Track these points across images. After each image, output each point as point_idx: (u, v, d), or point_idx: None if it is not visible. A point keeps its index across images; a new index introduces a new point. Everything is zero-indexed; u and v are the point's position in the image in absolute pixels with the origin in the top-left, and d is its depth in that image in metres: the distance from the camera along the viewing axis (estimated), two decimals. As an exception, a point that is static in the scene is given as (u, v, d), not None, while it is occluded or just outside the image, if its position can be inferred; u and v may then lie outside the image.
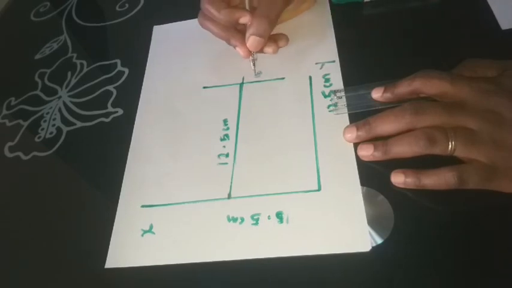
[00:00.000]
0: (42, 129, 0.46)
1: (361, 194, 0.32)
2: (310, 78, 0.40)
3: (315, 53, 0.42)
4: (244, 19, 0.39)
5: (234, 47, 0.40)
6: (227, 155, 0.37)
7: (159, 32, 0.50)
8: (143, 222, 0.35)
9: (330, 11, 0.44)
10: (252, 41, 0.38)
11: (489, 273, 0.28)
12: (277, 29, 0.44)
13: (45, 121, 0.47)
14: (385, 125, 0.32)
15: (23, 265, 0.37)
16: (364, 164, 0.33)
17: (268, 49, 0.41)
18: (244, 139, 0.38)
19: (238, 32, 0.40)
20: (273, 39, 0.41)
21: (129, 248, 0.35)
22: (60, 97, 0.49)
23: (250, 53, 0.40)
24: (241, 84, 0.42)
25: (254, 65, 0.41)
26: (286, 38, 0.42)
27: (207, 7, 0.40)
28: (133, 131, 0.42)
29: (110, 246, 0.35)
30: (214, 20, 0.40)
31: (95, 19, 0.56)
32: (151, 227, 0.35)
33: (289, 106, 0.39)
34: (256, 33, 0.38)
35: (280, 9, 0.39)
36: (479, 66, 0.33)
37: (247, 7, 0.40)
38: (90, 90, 0.48)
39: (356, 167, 0.33)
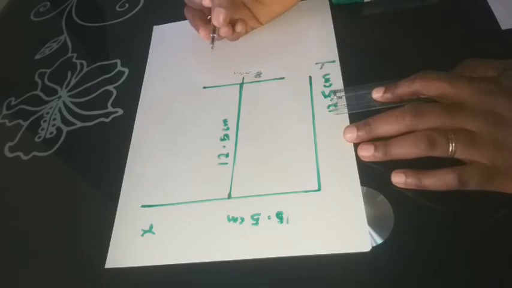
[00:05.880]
0: (42, 129, 0.46)
1: (361, 194, 0.32)
2: (310, 78, 0.40)
3: (315, 53, 0.42)
4: (206, 2, 0.40)
5: (197, 29, 0.42)
6: (227, 155, 0.37)
7: (159, 32, 0.50)
8: (143, 222, 0.35)
9: (330, 11, 0.44)
10: (215, 13, 0.38)
11: (490, 273, 0.28)
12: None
13: (45, 121, 0.47)
14: (385, 127, 0.32)
15: (23, 265, 0.37)
16: (364, 164, 0.33)
17: (238, 26, 0.42)
18: (244, 139, 0.38)
19: (205, 17, 0.42)
20: (231, 24, 0.42)
21: (129, 248, 0.35)
22: (60, 97, 0.49)
23: (209, 35, 0.41)
24: (241, 84, 0.42)
25: (213, 42, 0.42)
26: (243, 23, 0.42)
27: None
28: (133, 131, 0.42)
29: (110, 246, 0.35)
30: (188, 4, 0.42)
31: (95, 19, 0.56)
32: (151, 227, 0.35)
33: (289, 106, 0.39)
34: (217, 4, 0.38)
35: None
36: (479, 66, 0.33)
37: None
38: (90, 90, 0.48)
39: (356, 167, 0.33)
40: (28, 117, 0.48)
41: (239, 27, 0.42)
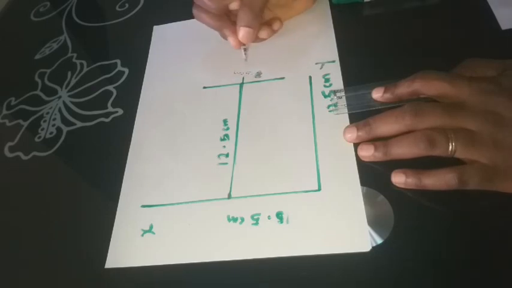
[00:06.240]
0: (42, 129, 0.46)
1: (361, 194, 0.32)
2: (310, 78, 0.40)
3: (315, 53, 0.42)
4: (234, 5, 0.38)
5: (226, 37, 0.40)
6: (227, 155, 0.37)
7: (159, 32, 0.50)
8: (143, 222, 0.35)
9: (330, 11, 0.44)
10: (242, 32, 0.38)
11: (490, 273, 0.28)
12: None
13: (45, 121, 0.47)
14: (385, 127, 0.32)
15: (23, 265, 0.37)
16: (364, 164, 0.33)
17: (263, 32, 0.41)
18: (244, 139, 0.38)
19: (231, 22, 0.40)
20: (267, 23, 0.41)
21: (129, 248, 0.35)
22: (60, 97, 0.49)
23: (240, 43, 0.40)
24: (241, 84, 0.42)
25: (246, 54, 0.42)
26: (280, 21, 0.42)
27: None
28: (133, 131, 0.42)
29: (110, 246, 0.35)
30: (207, 10, 0.40)
31: (95, 19, 0.56)
32: (151, 227, 0.35)
33: (289, 106, 0.39)
34: (244, 24, 0.38)
35: None
36: (479, 66, 0.33)
37: None
38: (90, 90, 0.48)
39: (356, 167, 0.33)
40: (28, 117, 0.48)
41: (277, 25, 0.42)
